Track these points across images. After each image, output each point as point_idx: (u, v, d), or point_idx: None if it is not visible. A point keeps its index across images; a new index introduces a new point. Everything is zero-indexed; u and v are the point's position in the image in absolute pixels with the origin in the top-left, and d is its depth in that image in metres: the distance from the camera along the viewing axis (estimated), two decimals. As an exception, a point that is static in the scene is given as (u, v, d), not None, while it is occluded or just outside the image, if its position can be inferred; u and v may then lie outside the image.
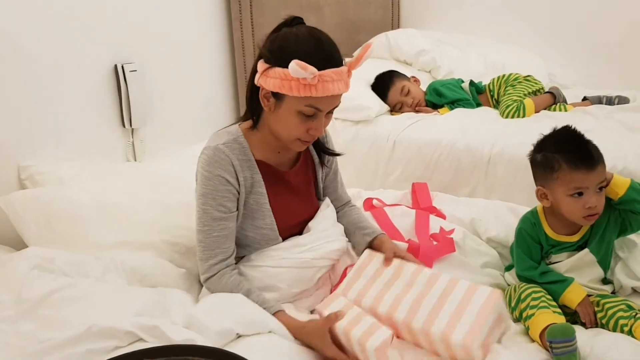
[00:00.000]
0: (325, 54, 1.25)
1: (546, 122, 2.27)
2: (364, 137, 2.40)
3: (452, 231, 1.71)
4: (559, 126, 1.51)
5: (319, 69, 1.21)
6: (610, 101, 2.57)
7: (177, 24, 2.43)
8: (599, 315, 1.42)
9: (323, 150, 1.55)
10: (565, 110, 2.49)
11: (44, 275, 1.40)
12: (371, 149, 2.39)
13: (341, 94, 1.31)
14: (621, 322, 1.36)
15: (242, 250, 1.47)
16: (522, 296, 1.44)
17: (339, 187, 1.65)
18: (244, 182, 1.38)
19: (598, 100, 2.59)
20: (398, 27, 3.46)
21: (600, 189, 1.42)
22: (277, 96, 1.29)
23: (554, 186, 1.46)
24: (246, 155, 1.39)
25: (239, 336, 1.26)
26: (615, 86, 2.80)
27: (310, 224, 1.52)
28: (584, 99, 2.65)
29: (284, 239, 1.48)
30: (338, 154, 1.58)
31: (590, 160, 1.40)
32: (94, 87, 2.11)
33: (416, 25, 3.38)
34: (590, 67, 3.09)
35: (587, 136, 1.46)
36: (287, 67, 1.20)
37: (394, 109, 2.64)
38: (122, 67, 2.16)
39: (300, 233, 1.52)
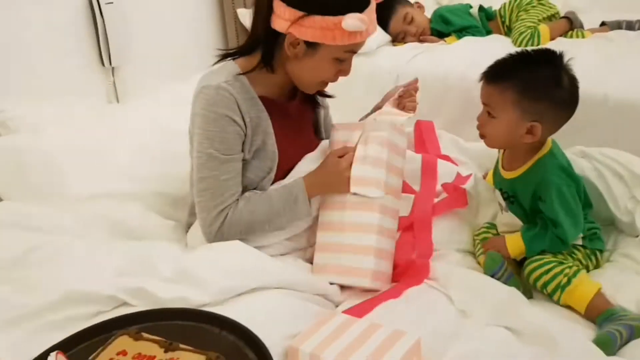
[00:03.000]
0: None
1: (569, 51, 2.12)
2: (363, 70, 2.21)
3: (468, 177, 1.55)
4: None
5: (360, 11, 1.18)
6: (631, 26, 2.38)
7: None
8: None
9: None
10: (583, 37, 2.31)
11: (17, 233, 1.28)
12: (372, 84, 2.20)
13: None
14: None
15: None
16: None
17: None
18: (250, 122, 1.28)
19: (617, 26, 2.41)
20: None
21: (489, 113, 1.28)
22: (312, 45, 1.22)
23: None
24: (249, 93, 1.29)
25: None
26: (636, 9, 2.59)
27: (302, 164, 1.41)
28: (602, 24, 2.46)
29: (286, 172, 1.38)
30: (330, 96, 1.49)
31: (487, 72, 1.30)
32: (67, 23, 1.95)
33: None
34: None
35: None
36: (329, 14, 1.16)
37: (396, 39, 2.46)
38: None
39: None
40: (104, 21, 1.99)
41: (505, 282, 1.23)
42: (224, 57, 1.33)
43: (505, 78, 1.24)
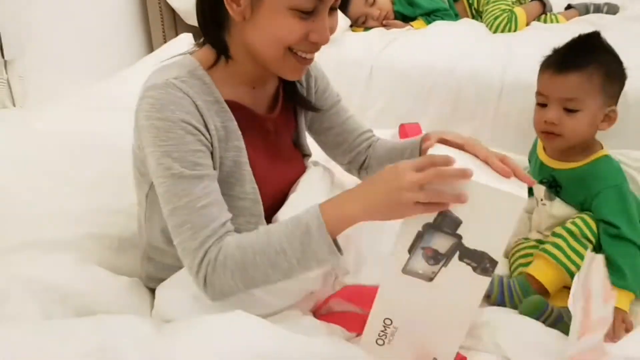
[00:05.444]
0: None
1: (553, 38, 1.91)
2: (326, 60, 1.85)
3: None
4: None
5: None
6: (598, 9, 2.24)
7: None
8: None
9: (300, 102, 1.11)
10: (557, 21, 2.14)
11: None
12: (339, 77, 1.84)
13: None
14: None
15: None
16: None
17: (353, 120, 1.20)
18: (215, 132, 0.94)
19: (585, 9, 2.27)
20: None
21: (570, 110, 1.15)
22: None
23: None
24: (212, 95, 0.95)
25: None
26: None
27: (294, 195, 1.07)
28: (568, 6, 2.30)
29: (266, 213, 1.02)
30: (316, 110, 1.13)
31: (558, 63, 1.16)
32: None
33: None
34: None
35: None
36: None
37: (356, 23, 2.15)
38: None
39: (283, 202, 1.07)
40: (-10, 0, 1.49)
41: (552, 326, 1.03)
42: None
43: (588, 63, 1.14)
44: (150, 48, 2.14)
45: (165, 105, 0.89)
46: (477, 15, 2.20)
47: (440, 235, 0.80)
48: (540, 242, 1.21)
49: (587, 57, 1.15)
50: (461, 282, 0.82)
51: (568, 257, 1.12)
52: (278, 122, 1.07)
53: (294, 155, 1.13)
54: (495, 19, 2.03)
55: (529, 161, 1.38)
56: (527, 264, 1.16)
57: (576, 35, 1.21)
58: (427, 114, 1.78)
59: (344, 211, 0.84)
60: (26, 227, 1.13)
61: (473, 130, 1.76)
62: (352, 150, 1.17)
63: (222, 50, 0.96)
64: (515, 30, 2.02)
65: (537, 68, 1.72)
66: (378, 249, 1.05)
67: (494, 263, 0.80)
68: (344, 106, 1.19)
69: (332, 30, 0.94)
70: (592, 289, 0.93)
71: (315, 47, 0.93)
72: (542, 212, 1.24)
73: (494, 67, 1.74)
